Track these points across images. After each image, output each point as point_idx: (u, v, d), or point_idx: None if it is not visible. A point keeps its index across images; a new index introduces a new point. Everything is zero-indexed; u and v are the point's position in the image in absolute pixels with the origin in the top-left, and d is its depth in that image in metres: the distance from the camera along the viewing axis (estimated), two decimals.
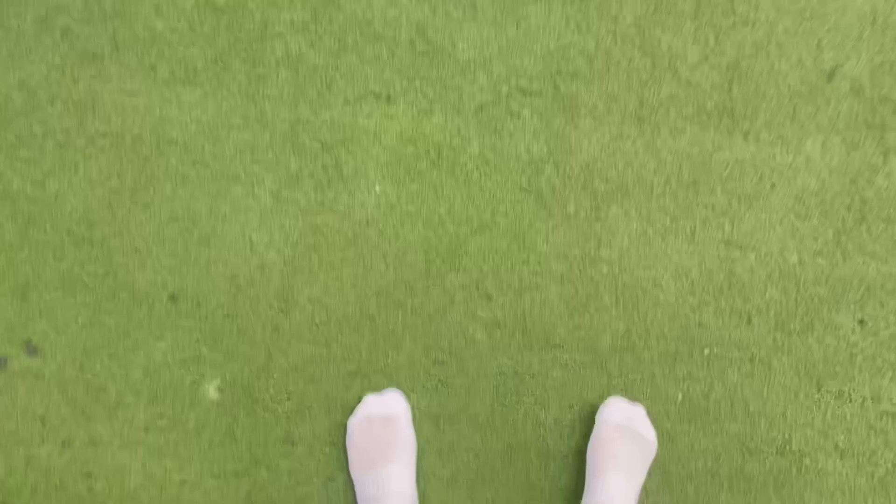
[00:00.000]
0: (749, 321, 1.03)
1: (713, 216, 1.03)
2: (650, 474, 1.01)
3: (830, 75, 1.03)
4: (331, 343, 1.03)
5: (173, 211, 1.02)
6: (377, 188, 1.03)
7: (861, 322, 1.02)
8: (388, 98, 1.03)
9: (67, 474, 1.00)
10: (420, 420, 1.02)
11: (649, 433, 0.98)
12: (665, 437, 1.02)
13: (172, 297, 1.02)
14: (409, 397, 1.02)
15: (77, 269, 1.02)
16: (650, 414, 1.02)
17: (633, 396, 1.03)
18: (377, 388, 1.03)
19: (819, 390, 1.02)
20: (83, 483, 1.00)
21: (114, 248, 1.02)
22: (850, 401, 1.02)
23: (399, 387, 1.03)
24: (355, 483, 0.98)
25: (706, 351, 1.03)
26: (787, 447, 1.01)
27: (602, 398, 1.03)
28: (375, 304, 1.04)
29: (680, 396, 1.03)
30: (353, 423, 0.99)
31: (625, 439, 0.95)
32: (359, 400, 1.02)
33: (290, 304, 1.03)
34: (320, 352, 1.03)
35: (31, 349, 1.02)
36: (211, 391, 1.02)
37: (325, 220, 1.03)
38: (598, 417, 0.99)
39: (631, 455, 0.95)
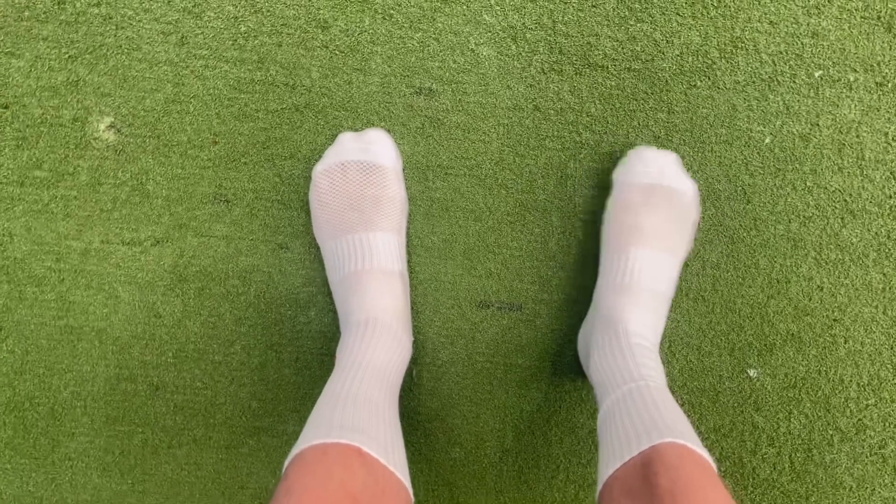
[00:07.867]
0: (889, 29, 0.69)
1: None
2: (710, 243, 0.75)
3: None
4: (265, 61, 0.72)
5: None
6: None
7: None
8: None
9: None
10: (402, 171, 0.74)
11: (684, 185, 0.70)
12: (739, 195, 0.75)
13: None
14: None
15: None
16: (721, 161, 0.73)
17: (700, 137, 0.73)
18: (335, 127, 0.73)
19: None
20: None
21: None
22: None
23: (369, 126, 0.73)
24: (323, 251, 0.73)
25: (818, 73, 0.71)
26: None
27: (659, 140, 0.73)
28: (329, 5, 0.70)
29: (768, 139, 0.74)
30: (321, 171, 0.71)
31: (653, 203, 0.70)
32: (313, 144, 0.73)
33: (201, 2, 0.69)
34: (251, 75, 0.72)
35: None
36: (102, 130, 0.73)
37: None
38: (615, 177, 0.74)
39: (664, 222, 0.71)
